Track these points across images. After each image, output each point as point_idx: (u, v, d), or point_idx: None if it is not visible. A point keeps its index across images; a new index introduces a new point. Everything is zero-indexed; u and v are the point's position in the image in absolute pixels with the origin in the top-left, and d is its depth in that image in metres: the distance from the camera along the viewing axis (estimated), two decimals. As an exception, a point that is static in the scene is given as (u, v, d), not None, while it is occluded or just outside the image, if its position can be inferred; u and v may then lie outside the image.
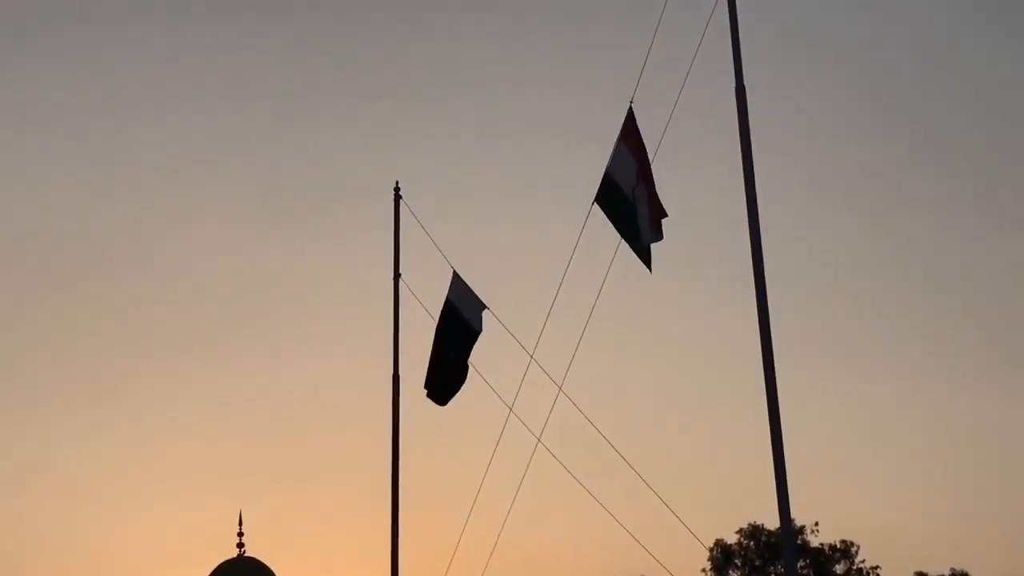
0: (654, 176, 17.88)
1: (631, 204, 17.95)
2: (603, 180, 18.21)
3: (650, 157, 17.89)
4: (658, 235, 17.89)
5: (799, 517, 53.72)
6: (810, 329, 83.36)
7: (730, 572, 56.55)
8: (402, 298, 23.59)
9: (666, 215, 17.87)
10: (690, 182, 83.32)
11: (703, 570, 56.22)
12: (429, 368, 21.59)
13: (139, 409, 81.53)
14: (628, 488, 18.56)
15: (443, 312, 21.64)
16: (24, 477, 76.54)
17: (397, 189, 24.19)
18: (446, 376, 21.42)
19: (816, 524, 56.40)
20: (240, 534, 41.82)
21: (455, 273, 21.74)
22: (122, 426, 79.91)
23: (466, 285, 21.56)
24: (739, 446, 78.42)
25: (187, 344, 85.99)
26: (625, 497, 18.63)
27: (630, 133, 18.17)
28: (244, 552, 41.86)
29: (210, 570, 41.30)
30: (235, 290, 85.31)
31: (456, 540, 22.17)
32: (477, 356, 22.31)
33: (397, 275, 23.83)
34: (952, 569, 57.28)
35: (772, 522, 53.80)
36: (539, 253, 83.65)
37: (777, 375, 15.74)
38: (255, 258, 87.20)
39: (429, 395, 21.80)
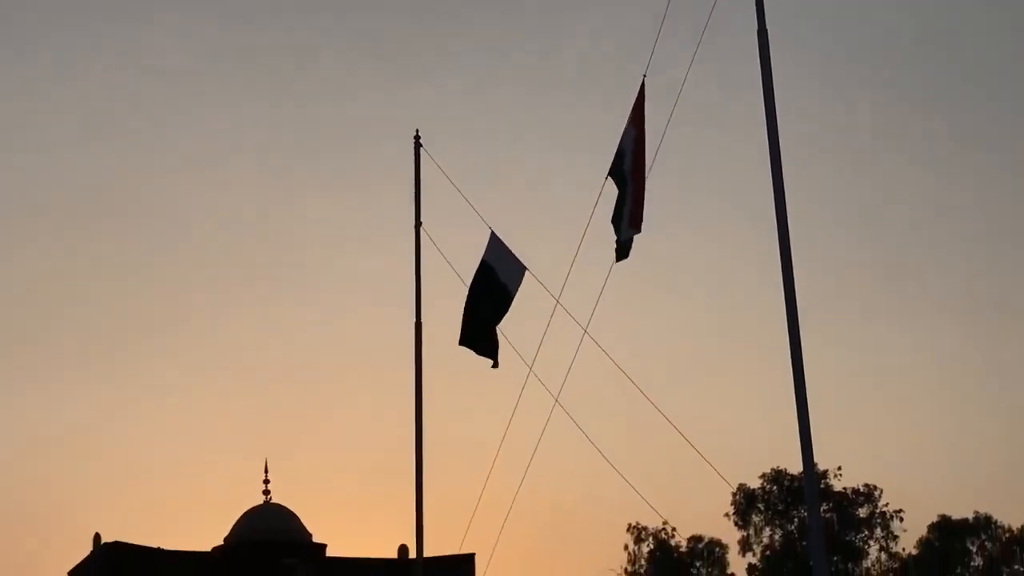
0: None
1: (625, 183, 18.14)
2: (616, 155, 18.34)
3: (675, 98, 17.83)
4: (635, 230, 18.02)
5: (822, 462, 53.79)
6: (833, 275, 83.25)
7: (753, 516, 56.70)
8: (423, 246, 23.64)
9: (641, 220, 17.93)
10: (712, 129, 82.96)
11: (726, 515, 56.45)
12: (463, 322, 21.22)
13: (166, 361, 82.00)
14: (652, 435, 18.60)
15: (478, 272, 21.26)
16: (52, 432, 77.17)
17: (417, 137, 24.13)
18: (479, 333, 21.03)
19: (839, 469, 56.53)
20: (266, 481, 42.25)
21: (492, 234, 21.30)
22: (150, 378, 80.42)
23: (504, 246, 21.08)
24: (762, 392, 78.55)
25: (210, 295, 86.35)
26: (650, 444, 18.68)
27: (638, 107, 18.25)
28: (270, 499, 42.25)
29: (237, 517, 41.70)
30: (257, 240, 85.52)
31: (478, 485, 22.24)
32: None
33: (418, 223, 23.83)
34: (975, 512, 57.37)
35: (795, 467, 53.93)
36: (561, 200, 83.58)
37: (800, 321, 15.74)
38: (277, 208, 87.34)
39: (470, 347, 21.22)
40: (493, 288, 20.87)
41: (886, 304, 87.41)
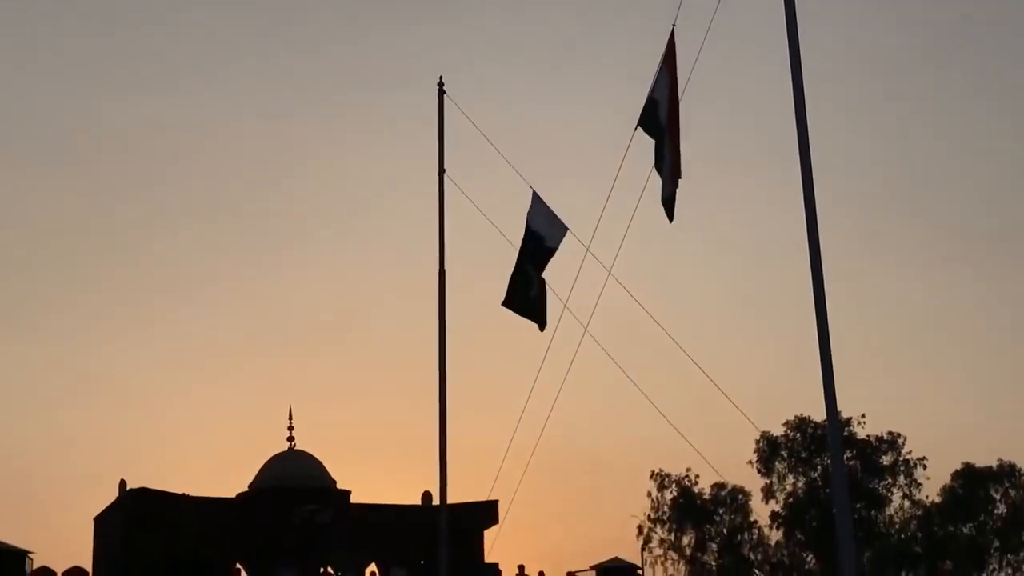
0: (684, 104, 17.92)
1: (663, 133, 18.05)
2: (646, 104, 18.24)
3: (697, 53, 17.74)
4: (674, 187, 17.95)
5: (845, 409, 53.77)
6: (857, 224, 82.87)
7: (776, 464, 56.74)
8: (447, 192, 23.59)
9: (680, 175, 17.89)
10: (738, 82, 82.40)
11: (750, 462, 56.48)
12: (509, 283, 21.18)
13: (191, 309, 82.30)
14: (675, 382, 18.59)
15: (525, 237, 21.20)
16: (78, 380, 77.61)
17: (441, 84, 24.05)
18: (524, 292, 21.04)
19: (863, 416, 56.45)
20: (290, 428, 42.48)
21: (535, 194, 21.22)
22: (176, 327, 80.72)
23: (546, 207, 21.05)
24: (786, 339, 78.43)
25: (236, 244, 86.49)
26: (673, 390, 18.67)
27: (670, 57, 18.14)
28: (294, 445, 42.48)
29: (262, 463, 41.96)
30: (283, 188, 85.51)
31: (500, 433, 22.27)
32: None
33: (442, 170, 23.77)
34: (999, 460, 57.29)
35: (818, 414, 53.87)
36: (585, 145, 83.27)
37: (824, 269, 15.69)
38: (303, 154, 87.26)
39: (512, 309, 21.19)
40: (538, 250, 20.94)
41: (911, 251, 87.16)
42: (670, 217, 17.96)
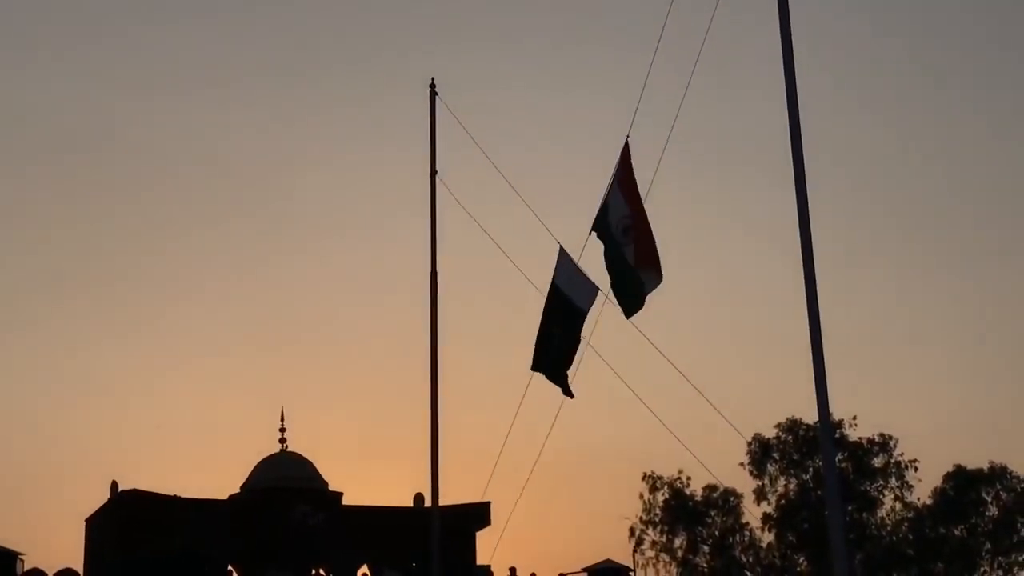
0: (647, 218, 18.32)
1: (618, 247, 18.41)
2: (600, 208, 18.63)
3: (696, 51, 17.85)
4: (656, 279, 18.30)
5: (837, 411, 53.78)
6: (850, 225, 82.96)
7: (768, 466, 56.77)
8: (439, 196, 23.59)
9: (658, 261, 18.23)
10: (731, 81, 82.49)
11: (741, 464, 56.50)
12: (536, 345, 20.09)
13: (182, 309, 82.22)
14: (668, 386, 18.60)
15: (549, 295, 20.05)
16: (70, 381, 77.51)
17: (432, 85, 24.04)
18: (553, 354, 19.88)
19: (854, 418, 56.48)
20: (282, 430, 42.45)
21: (561, 250, 20.12)
22: (167, 327, 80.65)
23: (573, 264, 19.80)
24: (777, 341, 78.48)
25: (226, 244, 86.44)
26: (665, 394, 18.67)
27: (625, 171, 18.45)
28: (286, 447, 42.46)
29: (254, 464, 41.93)
30: (272, 187, 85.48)
31: (492, 435, 22.30)
32: (516, 255, 22.30)
33: (433, 172, 23.78)
34: (991, 462, 57.36)
35: (810, 416, 53.92)
36: (579, 150, 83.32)
37: (816, 270, 15.71)
38: (293, 156, 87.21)
39: (542, 372, 20.16)
40: (566, 311, 19.71)
41: (904, 253, 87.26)
42: (628, 313, 18.39)
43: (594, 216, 18.77)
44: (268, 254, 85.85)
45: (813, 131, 16.51)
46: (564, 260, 20.00)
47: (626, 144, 18.45)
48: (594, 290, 19.48)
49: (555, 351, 19.77)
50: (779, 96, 16.28)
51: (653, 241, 18.32)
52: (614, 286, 18.64)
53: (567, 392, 19.85)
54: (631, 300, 18.50)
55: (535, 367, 20.03)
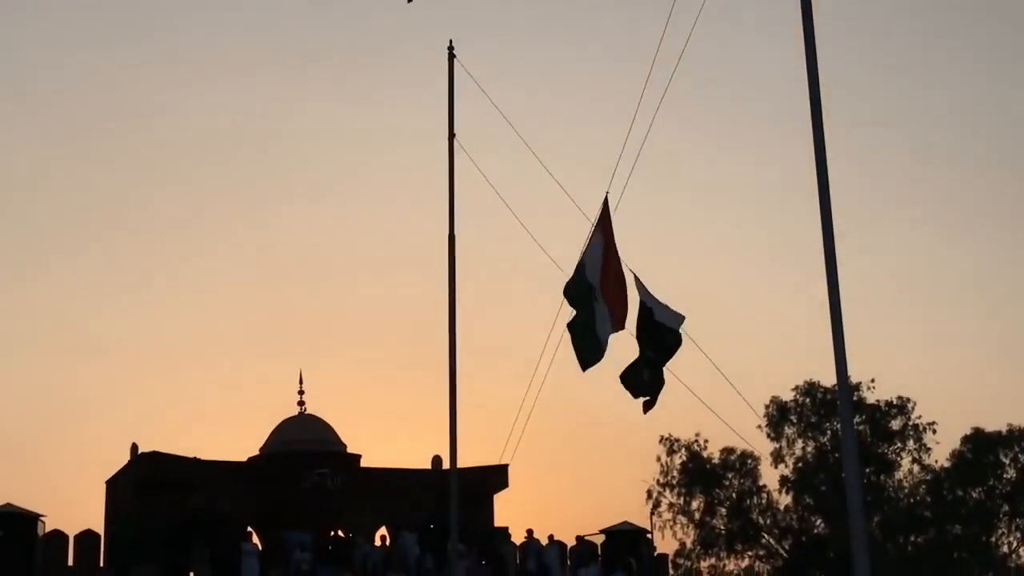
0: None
1: (592, 291, 18.44)
2: (575, 269, 18.72)
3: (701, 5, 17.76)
4: (618, 326, 18.41)
5: (855, 374, 53.66)
6: (869, 187, 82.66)
7: (785, 429, 56.77)
8: (457, 158, 23.58)
9: (624, 318, 18.35)
10: (746, 35, 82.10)
11: (759, 427, 56.49)
12: (631, 368, 19.17)
13: (202, 272, 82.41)
14: (685, 348, 18.52)
15: (639, 315, 19.10)
16: (89, 342, 77.81)
17: (451, 48, 23.99)
18: (644, 377, 19.04)
19: (872, 381, 56.40)
20: (301, 392, 42.59)
21: (637, 279, 19.11)
22: (187, 289, 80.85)
23: (652, 295, 18.94)
24: (796, 303, 78.38)
25: (246, 205, 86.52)
26: (682, 354, 18.56)
27: (605, 225, 18.49)
28: (305, 410, 42.59)
29: (273, 427, 42.09)
30: (292, 147, 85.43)
31: (509, 397, 22.32)
32: (534, 219, 22.30)
33: (452, 135, 23.75)
34: (1009, 425, 57.26)
35: (828, 379, 53.87)
36: (594, 112, 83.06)
37: (835, 232, 15.66)
38: (314, 114, 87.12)
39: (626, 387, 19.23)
40: (654, 328, 18.80)
41: (923, 213, 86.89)
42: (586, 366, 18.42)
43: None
44: (288, 218, 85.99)
45: (831, 86, 16.41)
46: (644, 288, 19.08)
47: (605, 200, 18.45)
48: (680, 318, 18.72)
49: (642, 367, 18.91)
50: (797, 44, 16.20)
51: (625, 302, 18.42)
52: (574, 340, 18.73)
53: (652, 404, 19.07)
54: (590, 355, 18.60)
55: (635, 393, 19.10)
